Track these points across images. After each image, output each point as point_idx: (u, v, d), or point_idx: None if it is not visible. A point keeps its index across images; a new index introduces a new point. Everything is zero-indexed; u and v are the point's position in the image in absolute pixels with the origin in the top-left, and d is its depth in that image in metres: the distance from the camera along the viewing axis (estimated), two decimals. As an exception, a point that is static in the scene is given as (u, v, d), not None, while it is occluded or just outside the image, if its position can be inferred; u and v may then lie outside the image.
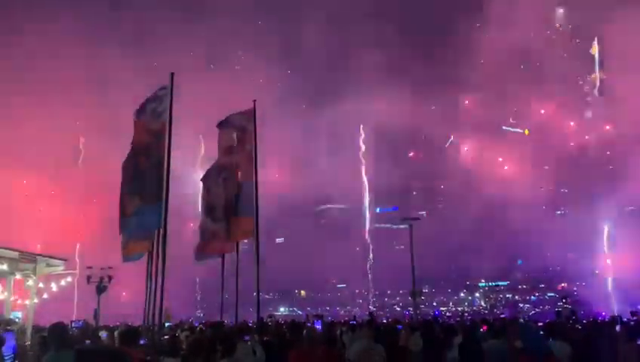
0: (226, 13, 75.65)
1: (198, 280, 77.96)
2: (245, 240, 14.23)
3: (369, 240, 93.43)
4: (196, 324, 20.87)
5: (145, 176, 10.38)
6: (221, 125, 13.35)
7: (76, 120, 59.14)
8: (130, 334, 6.38)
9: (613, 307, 49.52)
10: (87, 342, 11.41)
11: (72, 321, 19.18)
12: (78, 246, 46.59)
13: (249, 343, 8.21)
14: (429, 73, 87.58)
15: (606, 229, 64.85)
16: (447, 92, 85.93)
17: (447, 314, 67.05)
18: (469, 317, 40.82)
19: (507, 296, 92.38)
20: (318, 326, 16.25)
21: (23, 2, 59.53)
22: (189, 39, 74.52)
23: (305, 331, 7.32)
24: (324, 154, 79.64)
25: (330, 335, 12.50)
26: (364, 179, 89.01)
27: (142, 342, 6.36)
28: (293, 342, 8.66)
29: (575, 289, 75.17)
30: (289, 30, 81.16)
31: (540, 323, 16.49)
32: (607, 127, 77.18)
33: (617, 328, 14.34)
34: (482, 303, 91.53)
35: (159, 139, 10.47)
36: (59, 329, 5.78)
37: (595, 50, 76.40)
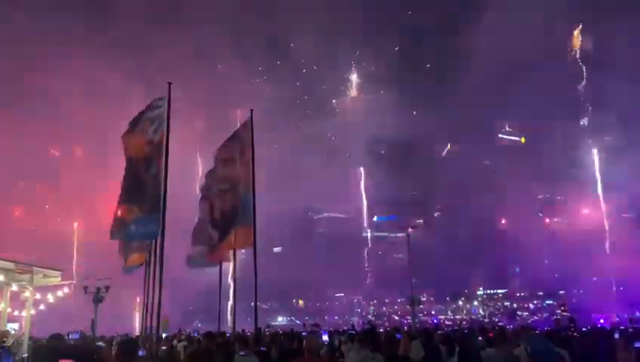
0: (222, 22, 76.16)
1: (196, 290, 77.47)
2: (243, 250, 14.21)
3: (367, 249, 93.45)
4: (194, 335, 20.74)
5: (144, 187, 10.38)
6: (226, 142, 13.38)
7: (70, 131, 59.30)
8: (128, 345, 6.32)
9: (612, 314, 49.48)
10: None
11: (69, 333, 19.06)
12: (75, 257, 46.39)
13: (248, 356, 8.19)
14: (428, 82, 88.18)
15: (603, 236, 65.00)
16: (446, 101, 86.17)
17: (447, 322, 66.78)
18: (467, 326, 40.76)
19: (505, 303, 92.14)
20: (325, 337, 16.12)
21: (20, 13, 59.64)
22: (185, 50, 74.89)
23: (305, 341, 7.29)
24: (321, 164, 79.61)
25: (330, 345, 12.46)
26: (362, 187, 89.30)
27: (141, 353, 6.29)
28: (293, 352, 8.64)
29: (573, 296, 75.06)
30: (286, 39, 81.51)
31: (537, 331, 16.46)
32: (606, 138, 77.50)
33: (616, 335, 14.33)
34: (480, 311, 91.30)
35: (159, 150, 10.50)
36: (53, 343, 5.66)
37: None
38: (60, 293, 21.39)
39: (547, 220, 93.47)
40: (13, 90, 54.96)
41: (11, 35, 56.66)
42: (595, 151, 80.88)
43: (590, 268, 65.16)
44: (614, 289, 64.67)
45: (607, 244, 65.35)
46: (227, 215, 12.51)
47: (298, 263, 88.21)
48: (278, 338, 14.55)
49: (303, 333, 18.46)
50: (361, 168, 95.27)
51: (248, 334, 16.27)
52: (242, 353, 8.18)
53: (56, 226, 60.79)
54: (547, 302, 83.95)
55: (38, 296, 20.36)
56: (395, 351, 9.65)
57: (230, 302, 14.22)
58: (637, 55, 64.58)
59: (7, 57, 54.54)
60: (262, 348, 10.59)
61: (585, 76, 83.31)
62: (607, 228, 66.72)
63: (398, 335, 11.38)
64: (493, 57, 75.28)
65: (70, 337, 17.32)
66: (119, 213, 10.44)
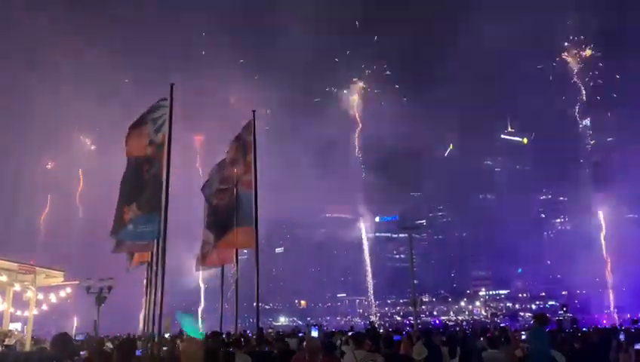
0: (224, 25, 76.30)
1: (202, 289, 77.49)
2: (245, 251, 14.24)
3: (369, 250, 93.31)
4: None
5: (145, 187, 10.41)
6: (230, 145, 13.45)
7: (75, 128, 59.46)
8: (126, 345, 6.37)
9: (614, 315, 49.35)
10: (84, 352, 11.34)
11: (75, 334, 19.13)
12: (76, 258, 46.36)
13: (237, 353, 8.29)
14: (431, 83, 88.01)
15: (605, 237, 64.85)
16: (446, 101, 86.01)
17: (450, 322, 66.56)
18: (469, 327, 40.62)
19: (507, 304, 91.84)
20: (315, 333, 16.22)
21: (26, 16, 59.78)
22: (187, 51, 75.14)
23: (305, 341, 7.33)
24: (323, 165, 79.55)
25: (329, 343, 12.42)
26: (364, 188, 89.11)
27: (138, 352, 6.31)
28: (293, 351, 8.67)
29: (575, 297, 74.83)
30: (286, 43, 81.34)
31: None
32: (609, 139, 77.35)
33: (622, 336, 14.25)
34: (483, 312, 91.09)
35: (160, 151, 10.54)
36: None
37: None
38: (62, 293, 21.41)
39: (549, 221, 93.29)
40: (13, 91, 55.19)
41: (13, 32, 56.92)
42: (597, 152, 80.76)
43: (592, 269, 64.99)
44: (616, 290, 64.44)
45: (609, 245, 65.13)
46: (223, 214, 12.57)
47: (300, 264, 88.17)
48: (281, 338, 14.56)
49: (300, 334, 18.52)
50: (364, 169, 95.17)
51: (250, 335, 16.28)
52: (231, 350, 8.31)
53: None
54: (550, 302, 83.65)
55: (40, 296, 20.39)
56: (396, 351, 9.64)
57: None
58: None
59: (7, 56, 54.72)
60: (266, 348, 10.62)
61: (587, 76, 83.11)
62: (609, 229, 66.44)
63: (396, 337, 11.35)
64: (496, 59, 75.31)
65: (76, 339, 17.33)
66: (120, 213, 10.47)
